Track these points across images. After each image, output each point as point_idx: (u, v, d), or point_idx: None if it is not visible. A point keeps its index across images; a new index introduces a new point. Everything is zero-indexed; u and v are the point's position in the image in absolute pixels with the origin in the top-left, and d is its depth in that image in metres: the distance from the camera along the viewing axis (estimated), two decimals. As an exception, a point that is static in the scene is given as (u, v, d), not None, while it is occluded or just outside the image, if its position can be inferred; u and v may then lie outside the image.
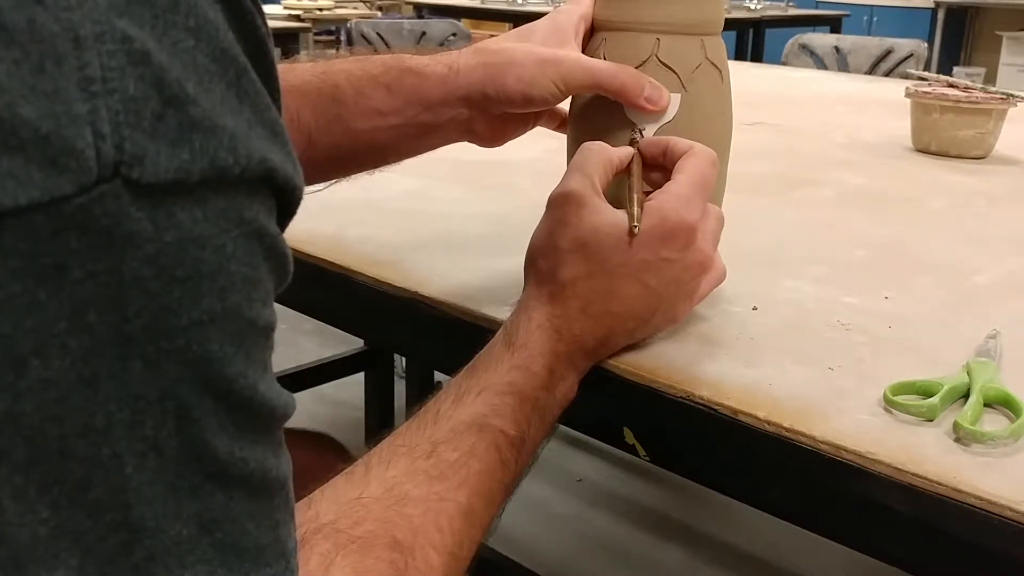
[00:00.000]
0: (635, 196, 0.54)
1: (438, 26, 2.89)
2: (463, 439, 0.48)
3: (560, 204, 0.54)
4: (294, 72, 0.65)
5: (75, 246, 0.24)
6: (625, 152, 0.58)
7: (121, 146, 0.24)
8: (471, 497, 0.47)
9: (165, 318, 0.26)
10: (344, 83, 0.64)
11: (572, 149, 0.66)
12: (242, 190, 0.28)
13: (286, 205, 0.31)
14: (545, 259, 0.54)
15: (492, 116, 0.65)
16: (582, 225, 0.53)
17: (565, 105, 0.67)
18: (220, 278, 0.27)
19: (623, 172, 0.58)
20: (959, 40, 6.04)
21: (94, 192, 0.24)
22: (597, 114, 0.63)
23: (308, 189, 0.80)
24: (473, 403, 0.49)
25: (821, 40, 2.52)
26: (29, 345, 0.24)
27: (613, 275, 0.53)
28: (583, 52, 0.64)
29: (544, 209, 0.56)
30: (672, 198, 0.54)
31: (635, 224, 0.52)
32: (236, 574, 0.29)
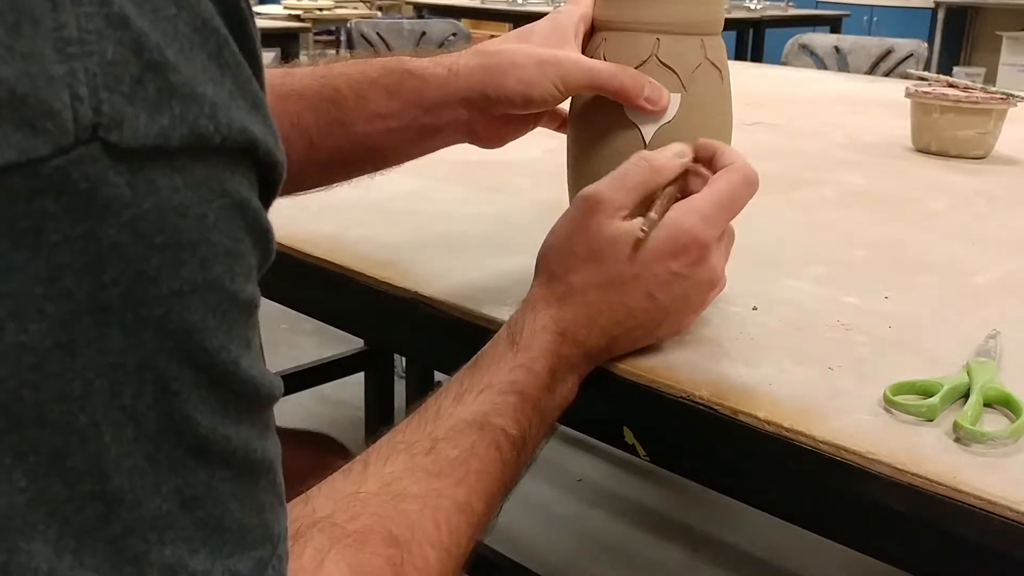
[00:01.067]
0: (657, 203, 0.54)
1: (438, 26, 2.89)
2: (463, 437, 0.48)
3: (583, 207, 0.55)
4: (293, 76, 0.65)
5: (53, 209, 0.24)
6: (670, 174, 0.56)
7: (99, 108, 0.24)
8: (470, 495, 0.46)
9: (144, 286, 0.26)
10: (344, 87, 0.64)
11: (572, 149, 0.66)
12: (223, 161, 0.28)
13: (268, 180, 0.30)
14: (559, 261, 0.54)
15: (492, 117, 0.65)
16: (600, 233, 0.53)
17: (565, 106, 0.67)
18: (201, 248, 0.27)
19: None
20: (959, 40, 6.04)
21: (72, 154, 0.24)
22: (597, 114, 0.63)
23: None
24: (474, 401, 0.49)
25: (821, 40, 2.52)
26: (6, 308, 0.24)
27: (624, 286, 0.53)
28: (583, 52, 0.64)
29: (545, 208, 0.56)
30: (691, 213, 0.53)
31: (643, 229, 0.52)
32: (219, 555, 0.29)
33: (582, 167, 0.64)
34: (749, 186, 0.55)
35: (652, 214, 0.53)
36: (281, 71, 0.65)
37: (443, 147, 0.68)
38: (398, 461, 0.45)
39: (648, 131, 0.61)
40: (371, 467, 0.45)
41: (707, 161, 0.58)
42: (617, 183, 0.55)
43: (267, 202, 0.31)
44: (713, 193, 0.54)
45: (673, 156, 0.57)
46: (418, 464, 0.46)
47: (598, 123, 0.63)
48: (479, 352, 0.53)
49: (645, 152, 0.57)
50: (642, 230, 0.52)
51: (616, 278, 0.53)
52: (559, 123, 0.71)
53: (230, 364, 0.28)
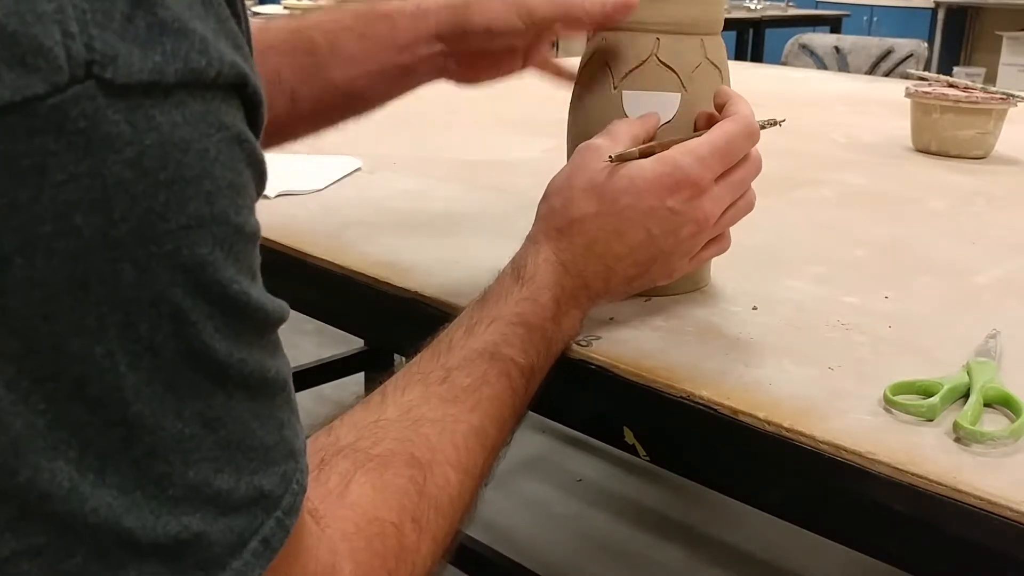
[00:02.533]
0: (638, 139, 0.58)
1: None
2: (475, 366, 0.50)
3: (583, 151, 0.58)
4: (269, 32, 0.67)
5: (53, 148, 0.24)
6: (651, 124, 0.61)
7: (91, 45, 0.25)
8: (484, 420, 0.48)
9: (152, 222, 0.26)
10: (318, 36, 0.66)
11: (572, 147, 0.66)
12: (219, 96, 0.28)
13: (254, 120, 0.31)
14: (559, 196, 0.57)
15: (466, 53, 0.67)
16: (599, 166, 0.56)
17: (569, 65, 0.67)
18: (205, 183, 0.28)
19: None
20: (959, 40, 6.03)
21: (68, 92, 0.24)
22: (597, 112, 0.63)
23: (308, 189, 0.80)
24: (484, 333, 0.52)
25: (821, 40, 2.52)
26: (12, 244, 0.24)
27: (621, 217, 0.55)
28: (586, 50, 0.64)
29: None
30: (686, 152, 0.56)
31: (617, 154, 0.55)
32: (243, 473, 0.30)
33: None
34: (748, 137, 0.58)
35: (633, 149, 0.56)
36: (256, 27, 0.67)
37: (420, 85, 0.70)
38: (415, 390, 0.48)
39: (648, 131, 0.61)
40: (389, 397, 0.47)
41: (719, 108, 0.60)
42: (607, 133, 0.59)
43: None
44: (710, 137, 0.57)
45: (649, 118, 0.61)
46: (433, 392, 0.48)
47: (598, 120, 0.63)
48: (486, 287, 0.55)
49: (622, 119, 0.61)
50: (610, 156, 0.55)
51: (613, 208, 0.55)
52: (556, 73, 0.72)
53: (242, 295, 0.29)
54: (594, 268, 0.56)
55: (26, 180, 0.24)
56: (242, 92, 0.29)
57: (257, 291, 0.30)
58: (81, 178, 0.25)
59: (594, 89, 0.64)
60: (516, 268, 0.56)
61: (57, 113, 0.24)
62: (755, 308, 0.64)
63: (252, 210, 0.30)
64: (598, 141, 0.58)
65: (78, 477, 0.26)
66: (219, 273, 0.28)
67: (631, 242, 0.56)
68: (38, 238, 0.25)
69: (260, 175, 0.31)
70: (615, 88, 0.62)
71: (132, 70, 0.25)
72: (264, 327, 0.31)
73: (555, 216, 0.57)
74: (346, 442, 0.43)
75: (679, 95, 0.61)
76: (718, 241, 0.60)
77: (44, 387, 0.26)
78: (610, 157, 0.56)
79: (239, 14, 0.31)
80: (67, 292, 0.25)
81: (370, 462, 0.42)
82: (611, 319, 0.61)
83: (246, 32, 0.31)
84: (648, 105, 0.61)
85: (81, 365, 0.26)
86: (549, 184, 0.59)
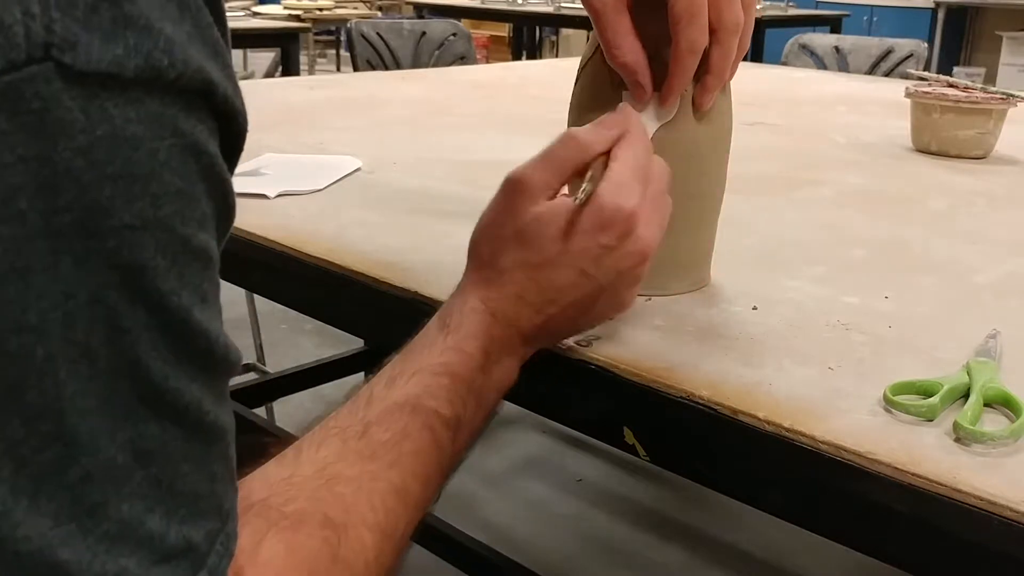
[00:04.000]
0: (589, 174, 0.53)
1: (438, 26, 2.89)
2: (395, 420, 0.47)
3: (510, 190, 0.54)
4: None
5: (5, 127, 0.24)
6: (598, 148, 0.55)
7: (51, 28, 0.25)
8: (404, 477, 0.46)
9: (96, 216, 0.26)
10: None
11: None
12: (179, 100, 0.28)
13: (230, 131, 0.30)
14: (487, 244, 0.54)
15: None
16: (526, 215, 0.53)
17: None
18: (152, 184, 0.27)
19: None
20: (959, 40, 6.04)
21: (24, 71, 0.24)
22: (595, 111, 0.63)
23: (308, 189, 0.80)
24: (406, 385, 0.49)
25: (821, 40, 2.52)
26: None
27: (551, 264, 0.53)
28: (586, 50, 0.64)
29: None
30: (608, 186, 0.53)
31: (579, 197, 0.52)
32: (173, 519, 0.29)
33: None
34: (647, 150, 0.55)
35: (586, 184, 0.53)
36: None
37: None
38: (331, 446, 0.45)
39: (649, 129, 0.61)
40: (304, 452, 0.45)
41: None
42: (543, 163, 0.55)
43: (230, 154, 0.31)
44: (621, 163, 0.54)
45: (601, 130, 0.56)
46: (351, 448, 0.45)
47: (596, 117, 0.63)
48: (410, 340, 0.53)
49: (573, 129, 0.56)
50: (577, 197, 0.52)
51: (544, 258, 0.53)
52: None
53: (182, 311, 0.28)
54: (527, 316, 0.53)
55: None
56: (211, 101, 0.29)
57: (204, 315, 0.29)
58: (29, 161, 0.25)
59: (594, 89, 0.64)
60: (442, 318, 0.53)
61: (12, 91, 0.24)
62: (755, 308, 0.64)
63: (203, 227, 0.29)
64: (526, 177, 0.54)
65: (11, 500, 0.25)
66: (158, 281, 0.28)
67: (564, 286, 0.53)
68: None
69: (220, 194, 0.30)
70: (615, 88, 0.62)
71: (91, 59, 0.25)
72: (207, 360, 0.30)
73: (483, 267, 0.54)
74: (258, 498, 0.40)
75: (679, 95, 0.61)
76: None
77: None
78: (576, 199, 0.52)
79: (221, 19, 0.30)
80: (9, 283, 0.25)
81: (284, 520, 0.40)
82: (611, 319, 0.61)
83: (226, 39, 0.30)
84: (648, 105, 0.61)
85: (21, 368, 0.25)
86: (479, 223, 0.56)
